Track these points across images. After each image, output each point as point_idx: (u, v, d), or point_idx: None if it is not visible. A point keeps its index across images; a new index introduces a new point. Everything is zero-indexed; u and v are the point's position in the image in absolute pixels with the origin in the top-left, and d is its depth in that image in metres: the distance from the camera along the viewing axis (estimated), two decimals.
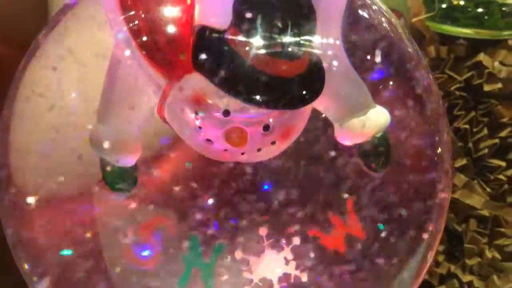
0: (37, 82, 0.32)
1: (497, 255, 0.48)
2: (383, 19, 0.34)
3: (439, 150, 0.34)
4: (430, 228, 0.33)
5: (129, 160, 0.31)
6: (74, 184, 0.32)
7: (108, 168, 0.31)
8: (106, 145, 0.30)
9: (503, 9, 0.48)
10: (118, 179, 0.31)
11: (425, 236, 0.33)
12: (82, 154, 0.31)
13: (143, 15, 0.27)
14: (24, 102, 0.33)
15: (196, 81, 0.27)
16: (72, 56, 0.32)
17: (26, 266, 0.33)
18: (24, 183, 0.33)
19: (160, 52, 0.27)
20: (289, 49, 0.26)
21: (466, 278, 0.47)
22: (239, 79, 0.26)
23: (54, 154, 0.32)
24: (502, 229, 0.47)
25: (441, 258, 0.48)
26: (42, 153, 0.32)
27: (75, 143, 0.31)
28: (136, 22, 0.27)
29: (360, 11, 0.33)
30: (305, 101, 0.28)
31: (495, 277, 0.47)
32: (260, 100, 0.26)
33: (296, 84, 0.27)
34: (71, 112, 0.32)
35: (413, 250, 0.33)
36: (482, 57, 0.47)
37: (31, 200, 0.31)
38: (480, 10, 0.48)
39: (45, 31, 0.33)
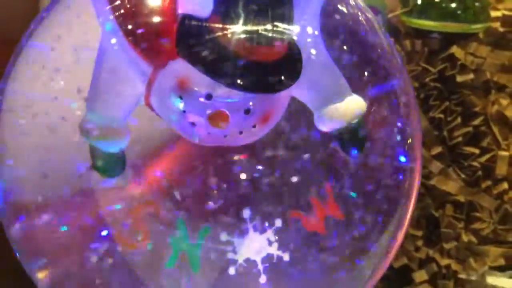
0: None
1: (473, 239, 0.49)
2: (359, 13, 0.36)
3: (410, 137, 0.35)
4: (399, 210, 0.35)
5: (116, 146, 0.32)
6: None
7: (98, 154, 0.32)
8: (94, 131, 0.31)
9: (476, 4, 0.51)
10: (107, 165, 0.33)
11: (394, 216, 0.35)
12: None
13: (128, 5, 0.28)
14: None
15: (180, 67, 0.28)
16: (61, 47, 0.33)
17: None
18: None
19: (146, 39, 0.28)
20: (268, 36, 0.28)
21: (444, 261, 0.49)
22: (220, 64, 0.28)
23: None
24: (478, 214, 0.49)
25: (420, 243, 0.49)
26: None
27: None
28: (122, 11, 0.28)
29: (338, 6, 0.35)
30: (283, 86, 0.29)
31: (471, 260, 0.49)
32: (240, 84, 0.28)
33: (274, 69, 0.28)
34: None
35: (382, 228, 0.34)
36: (454, 49, 0.49)
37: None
38: (454, 5, 0.50)
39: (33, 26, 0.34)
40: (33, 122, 0.33)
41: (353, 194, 0.33)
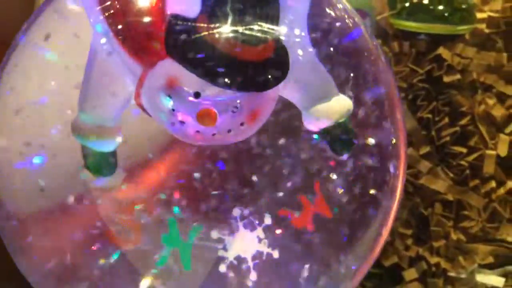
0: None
1: (462, 237, 0.50)
2: (346, 15, 0.37)
3: (394, 137, 0.36)
4: (383, 206, 0.35)
5: (107, 146, 0.32)
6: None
7: (89, 153, 0.33)
8: (86, 131, 0.32)
9: (463, 6, 0.52)
10: (98, 164, 0.33)
11: (379, 213, 0.35)
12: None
13: (118, 5, 0.29)
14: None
15: (169, 67, 0.29)
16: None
17: None
18: None
19: (135, 39, 0.29)
20: (254, 35, 0.29)
21: (434, 259, 0.49)
22: (208, 63, 0.28)
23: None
24: (466, 212, 0.50)
25: (409, 241, 0.50)
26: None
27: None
28: (112, 11, 0.29)
29: (326, 9, 0.35)
30: (270, 85, 0.30)
31: (460, 258, 0.50)
32: (228, 82, 0.28)
33: (261, 68, 0.29)
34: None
35: (367, 225, 0.35)
36: (441, 50, 0.50)
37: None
38: (441, 7, 0.51)
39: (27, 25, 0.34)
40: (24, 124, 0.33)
41: (340, 189, 0.34)
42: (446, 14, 0.51)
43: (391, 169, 0.35)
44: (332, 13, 0.35)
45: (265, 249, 0.34)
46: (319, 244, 0.35)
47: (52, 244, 0.34)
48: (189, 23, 0.28)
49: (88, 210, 0.34)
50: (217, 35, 0.28)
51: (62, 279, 0.35)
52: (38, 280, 0.35)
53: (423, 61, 0.50)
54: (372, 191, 0.35)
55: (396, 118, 0.36)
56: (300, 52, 0.31)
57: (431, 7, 0.51)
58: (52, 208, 0.34)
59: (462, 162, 0.50)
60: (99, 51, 0.31)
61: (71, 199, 0.33)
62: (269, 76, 0.29)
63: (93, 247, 0.34)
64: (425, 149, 0.49)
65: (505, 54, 0.53)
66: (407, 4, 0.52)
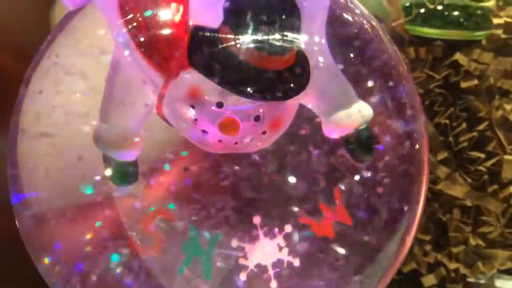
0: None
1: (481, 243, 0.50)
2: (364, 21, 0.37)
3: (417, 142, 0.36)
4: (407, 215, 0.35)
5: (129, 156, 0.33)
6: None
7: (111, 163, 0.33)
8: (107, 142, 0.32)
9: (478, 12, 0.52)
10: (120, 174, 0.33)
11: (403, 221, 0.35)
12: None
13: (141, 18, 0.29)
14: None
15: (191, 77, 0.29)
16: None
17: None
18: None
19: (158, 51, 0.29)
20: (277, 45, 0.29)
21: (452, 265, 0.49)
22: (231, 73, 0.29)
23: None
24: (485, 218, 0.50)
25: (428, 247, 0.50)
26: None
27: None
28: (135, 24, 0.29)
29: (344, 14, 0.35)
30: (292, 93, 0.30)
31: (479, 264, 0.49)
32: (251, 92, 0.29)
33: (283, 78, 0.29)
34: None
35: (392, 233, 0.35)
36: (458, 56, 0.49)
37: None
38: (456, 13, 0.51)
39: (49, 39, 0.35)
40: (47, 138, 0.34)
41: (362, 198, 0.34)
42: (461, 20, 0.51)
43: (414, 176, 0.35)
44: (350, 19, 0.35)
45: (285, 257, 0.34)
46: (341, 252, 0.35)
47: (72, 248, 0.35)
48: (212, 34, 0.29)
49: (110, 216, 0.34)
50: (239, 45, 0.29)
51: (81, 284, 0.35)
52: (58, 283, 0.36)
53: (440, 67, 0.50)
54: (395, 199, 0.35)
55: (419, 124, 0.36)
56: (320, 59, 0.32)
57: (446, 13, 0.51)
58: (75, 210, 0.34)
59: (480, 168, 0.50)
60: (121, 62, 0.31)
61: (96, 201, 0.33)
62: (291, 85, 0.30)
63: (113, 253, 0.34)
64: (442, 155, 0.49)
65: None
66: (422, 10, 0.52)
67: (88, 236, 0.34)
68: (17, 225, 0.36)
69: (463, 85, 0.49)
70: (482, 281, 0.51)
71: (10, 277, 0.45)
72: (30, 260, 0.36)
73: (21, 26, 0.45)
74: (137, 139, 0.32)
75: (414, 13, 0.52)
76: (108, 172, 0.33)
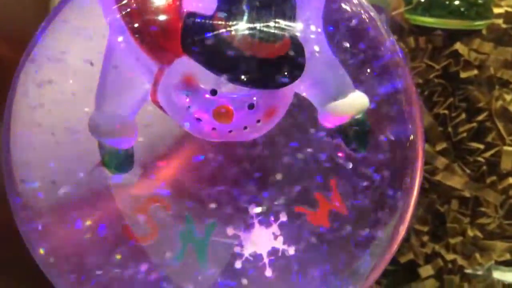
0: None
1: (479, 234, 0.50)
2: (362, 11, 0.36)
3: (412, 133, 0.36)
4: (400, 204, 0.35)
5: (124, 143, 0.33)
6: None
7: (106, 151, 0.33)
8: (102, 129, 0.32)
9: (479, 1, 0.51)
10: (115, 161, 0.33)
11: (396, 210, 0.35)
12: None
13: (134, 3, 0.29)
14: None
15: (185, 64, 0.29)
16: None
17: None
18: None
19: (152, 37, 0.29)
20: (270, 32, 0.29)
21: (450, 256, 0.49)
22: (224, 61, 0.28)
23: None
24: (483, 209, 0.50)
25: (425, 238, 0.50)
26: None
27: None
28: (129, 10, 0.29)
29: (342, 4, 0.35)
30: (286, 82, 0.30)
31: (477, 255, 0.49)
32: (244, 79, 0.29)
33: (277, 66, 0.29)
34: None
35: (385, 222, 0.35)
36: (458, 46, 0.49)
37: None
38: (457, 2, 0.50)
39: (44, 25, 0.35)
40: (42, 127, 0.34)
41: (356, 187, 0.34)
42: (462, 9, 0.51)
43: (409, 166, 0.35)
44: (348, 8, 0.35)
45: (280, 246, 0.34)
46: (335, 241, 0.35)
47: (69, 240, 0.35)
48: (206, 21, 0.29)
49: (106, 205, 0.34)
50: (233, 33, 0.28)
51: (80, 275, 0.35)
52: (59, 278, 0.36)
53: (440, 57, 0.50)
54: (389, 189, 0.35)
55: (414, 114, 0.36)
56: (316, 48, 0.31)
57: (447, 2, 0.51)
58: (71, 202, 0.34)
59: (479, 158, 0.50)
60: (115, 49, 0.31)
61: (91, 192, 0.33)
62: (286, 73, 0.29)
63: (111, 243, 0.34)
64: (441, 146, 0.49)
65: None
66: (422, 0, 0.52)
67: (87, 223, 0.34)
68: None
69: (463, 75, 0.49)
70: (479, 273, 0.51)
71: (9, 267, 0.45)
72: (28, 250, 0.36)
73: (20, 15, 0.45)
74: (132, 127, 0.32)
75: (414, 2, 0.51)
76: (103, 160, 0.33)
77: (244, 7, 0.29)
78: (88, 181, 0.34)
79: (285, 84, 0.30)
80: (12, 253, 0.38)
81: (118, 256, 0.34)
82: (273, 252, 0.34)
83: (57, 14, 0.35)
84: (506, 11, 0.52)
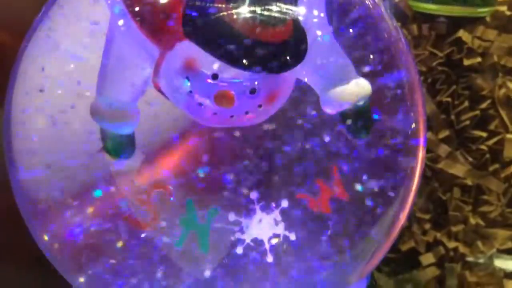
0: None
1: (481, 222, 0.50)
2: None
3: (414, 121, 0.36)
4: (401, 191, 0.35)
5: (126, 129, 0.33)
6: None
7: (108, 136, 0.33)
8: (104, 114, 0.32)
9: None
10: (117, 147, 0.33)
11: (397, 197, 0.35)
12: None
13: None
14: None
15: (186, 48, 0.29)
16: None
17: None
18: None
19: (153, 21, 0.29)
20: (272, 16, 0.29)
21: (452, 244, 0.49)
22: (225, 44, 0.28)
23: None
24: (485, 197, 0.49)
25: (427, 226, 0.50)
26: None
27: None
28: None
29: None
30: (288, 66, 0.30)
31: (479, 243, 0.49)
32: (246, 63, 0.28)
33: (279, 50, 0.29)
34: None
35: (385, 209, 0.35)
36: (461, 33, 0.49)
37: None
38: None
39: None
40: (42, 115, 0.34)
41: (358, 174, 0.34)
42: None
43: (410, 154, 0.35)
44: None
45: (282, 231, 0.34)
46: (336, 228, 0.35)
47: (72, 225, 0.35)
48: (207, 4, 0.28)
49: (108, 192, 0.34)
50: (235, 16, 0.28)
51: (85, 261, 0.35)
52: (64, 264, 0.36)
53: (443, 44, 0.50)
54: (390, 176, 0.35)
55: (416, 102, 0.36)
56: (318, 33, 0.31)
57: None
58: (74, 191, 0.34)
59: (482, 147, 0.50)
60: (117, 33, 0.31)
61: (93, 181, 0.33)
62: (287, 58, 0.29)
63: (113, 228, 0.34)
64: (444, 133, 0.49)
65: None
66: None
67: (89, 211, 0.34)
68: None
69: (466, 62, 0.49)
70: (481, 261, 0.51)
71: (10, 255, 0.45)
72: (30, 238, 0.36)
73: (21, 3, 0.45)
74: (133, 112, 0.32)
75: None
76: (105, 145, 0.33)
77: None
78: (90, 167, 0.34)
79: (286, 69, 0.30)
80: (13, 240, 0.38)
81: (120, 244, 0.35)
82: (275, 238, 0.34)
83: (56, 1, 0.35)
84: None
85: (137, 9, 0.29)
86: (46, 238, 0.36)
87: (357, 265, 0.36)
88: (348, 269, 0.36)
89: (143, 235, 0.34)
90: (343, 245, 0.35)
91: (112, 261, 0.34)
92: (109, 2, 0.30)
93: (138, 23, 0.29)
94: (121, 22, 0.30)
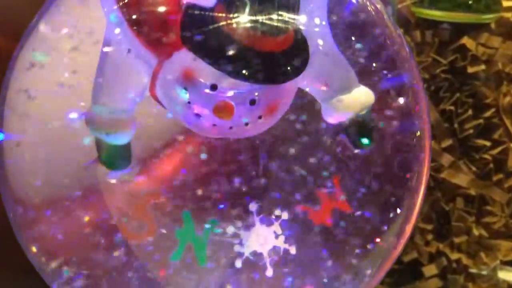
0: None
1: (484, 233, 0.49)
2: (368, 3, 0.36)
3: (419, 130, 0.35)
4: (407, 202, 0.34)
5: (121, 138, 0.32)
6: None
7: (103, 147, 0.32)
8: (99, 124, 0.31)
9: None
10: (113, 157, 0.33)
11: (402, 209, 0.34)
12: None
13: None
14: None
15: (185, 58, 0.28)
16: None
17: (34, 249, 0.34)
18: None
19: (150, 30, 0.28)
20: (273, 25, 0.28)
21: (454, 255, 0.48)
22: (224, 54, 0.28)
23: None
24: (489, 207, 0.49)
25: (429, 237, 0.49)
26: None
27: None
28: (127, 1, 0.28)
29: None
30: (289, 77, 0.29)
31: (482, 254, 0.49)
32: (245, 74, 0.28)
33: (280, 60, 0.28)
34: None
35: (390, 223, 0.34)
36: (465, 40, 0.48)
37: None
38: None
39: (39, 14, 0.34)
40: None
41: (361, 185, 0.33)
42: (470, 2, 0.50)
43: (415, 164, 0.34)
44: (354, 1, 0.34)
45: (282, 244, 0.34)
46: (339, 240, 0.34)
47: (61, 236, 0.34)
48: (206, 13, 0.28)
49: (99, 203, 0.33)
50: (234, 25, 0.27)
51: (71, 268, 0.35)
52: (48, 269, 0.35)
53: (446, 51, 0.49)
54: (395, 187, 0.34)
55: (421, 110, 0.35)
56: (320, 42, 0.30)
57: None
58: (61, 199, 0.33)
59: (486, 156, 0.49)
60: (113, 41, 0.30)
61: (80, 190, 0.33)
62: (288, 68, 0.29)
63: (103, 240, 0.33)
64: (447, 142, 0.48)
65: None
66: None
67: (81, 220, 0.34)
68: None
69: (470, 70, 0.48)
70: (484, 272, 0.50)
71: (4, 262, 0.45)
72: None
73: (18, 5, 0.45)
74: (130, 121, 0.32)
75: None
76: (100, 156, 0.32)
77: None
78: (84, 177, 0.33)
79: (288, 79, 0.29)
80: (8, 249, 0.37)
81: (116, 253, 0.34)
82: (274, 251, 0.34)
83: (53, 3, 0.34)
84: None
85: (134, 17, 0.28)
86: (34, 249, 0.35)
87: (362, 280, 0.35)
88: (352, 284, 0.35)
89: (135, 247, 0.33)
90: (346, 259, 0.34)
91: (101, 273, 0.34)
92: (105, 10, 0.29)
93: (135, 32, 0.29)
94: (117, 31, 0.29)
